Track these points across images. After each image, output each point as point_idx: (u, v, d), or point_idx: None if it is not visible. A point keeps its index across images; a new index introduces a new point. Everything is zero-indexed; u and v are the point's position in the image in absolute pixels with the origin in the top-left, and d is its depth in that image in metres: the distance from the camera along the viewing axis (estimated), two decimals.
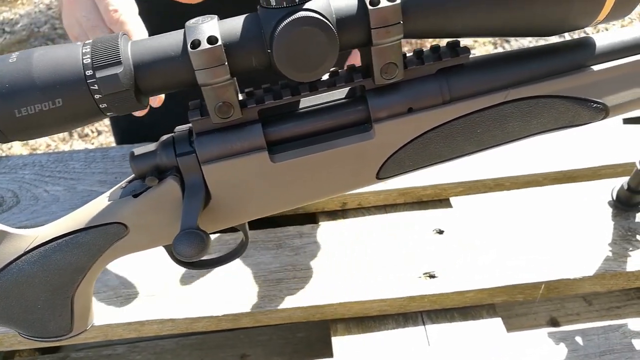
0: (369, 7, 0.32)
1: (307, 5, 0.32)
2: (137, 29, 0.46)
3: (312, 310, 0.55)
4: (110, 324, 0.54)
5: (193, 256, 0.36)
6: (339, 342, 0.54)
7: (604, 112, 0.39)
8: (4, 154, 2.01)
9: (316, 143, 0.38)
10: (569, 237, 0.59)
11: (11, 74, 0.32)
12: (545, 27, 0.35)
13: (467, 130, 0.39)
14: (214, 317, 0.54)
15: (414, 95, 0.37)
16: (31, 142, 2.11)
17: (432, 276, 0.56)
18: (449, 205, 0.68)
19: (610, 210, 0.62)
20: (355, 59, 0.77)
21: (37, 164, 0.75)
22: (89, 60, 0.32)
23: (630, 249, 0.57)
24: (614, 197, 0.62)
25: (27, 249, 0.39)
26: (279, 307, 0.54)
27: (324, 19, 0.32)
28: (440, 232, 0.62)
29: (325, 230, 0.63)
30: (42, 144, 2.01)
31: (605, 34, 0.39)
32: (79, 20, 0.49)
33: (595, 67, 0.38)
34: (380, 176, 0.40)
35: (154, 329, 0.55)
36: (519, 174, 0.69)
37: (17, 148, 1.97)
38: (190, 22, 0.33)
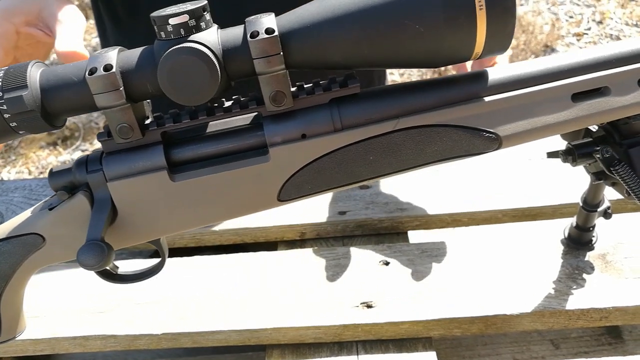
0: (249, 39, 0.35)
1: (193, 37, 0.36)
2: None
3: (248, 334, 0.56)
4: (57, 337, 0.57)
5: (94, 266, 0.38)
6: None
7: (497, 141, 0.41)
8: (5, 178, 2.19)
9: (216, 165, 0.40)
10: (516, 274, 0.59)
11: None
12: (421, 60, 0.37)
13: (360, 156, 0.40)
14: (154, 336, 0.56)
15: (307, 123, 0.40)
16: (32, 167, 2.28)
17: (369, 306, 0.57)
18: (406, 239, 0.69)
19: (562, 248, 0.61)
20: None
21: (27, 188, 0.81)
22: (0, 83, 0.36)
23: (574, 287, 0.56)
24: (566, 236, 0.62)
25: None
26: (215, 330, 0.56)
27: (204, 50, 0.35)
28: (387, 263, 0.62)
29: (276, 257, 0.65)
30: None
31: (499, 68, 0.41)
32: None
33: (487, 98, 0.40)
34: (281, 198, 0.42)
35: (97, 345, 0.57)
36: (477, 210, 0.69)
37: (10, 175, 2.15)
38: (95, 53, 0.37)
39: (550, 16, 3.29)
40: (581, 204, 0.57)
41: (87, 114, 2.91)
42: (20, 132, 0.38)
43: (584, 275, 0.58)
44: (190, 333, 0.56)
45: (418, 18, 0.35)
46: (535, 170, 0.75)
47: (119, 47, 0.38)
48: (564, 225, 0.64)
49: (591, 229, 0.59)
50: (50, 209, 0.41)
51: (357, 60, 0.37)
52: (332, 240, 0.70)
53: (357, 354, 0.55)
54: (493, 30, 0.35)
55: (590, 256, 0.60)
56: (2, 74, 0.36)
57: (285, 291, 0.60)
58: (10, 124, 0.37)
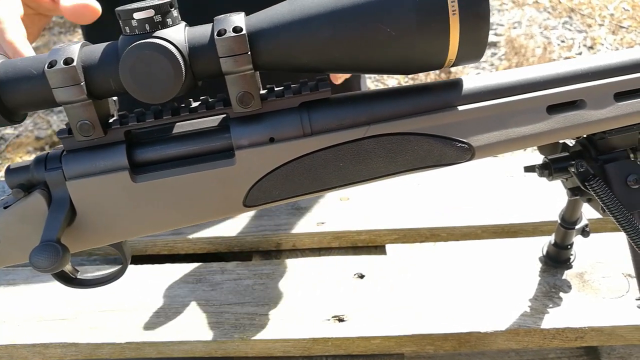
0: (216, 37, 0.34)
1: (158, 33, 0.35)
2: (11, 27, 0.46)
3: (214, 345, 0.54)
4: (15, 344, 0.55)
5: (47, 269, 0.37)
6: None
7: (469, 152, 0.40)
8: None
9: (180, 166, 0.39)
10: (492, 291, 0.58)
11: None
12: (393, 65, 0.36)
13: (329, 163, 0.39)
14: (117, 345, 0.54)
15: (275, 126, 0.38)
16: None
17: (340, 320, 0.55)
18: (383, 252, 0.68)
19: (540, 266, 0.60)
20: None
21: (3, 190, 0.79)
22: None
23: (550, 305, 0.55)
24: (544, 253, 0.61)
25: None
26: (181, 340, 0.54)
27: (168, 46, 0.34)
28: (361, 276, 0.61)
29: (249, 268, 0.63)
30: None
31: (475, 77, 0.40)
32: None
33: (461, 107, 0.39)
34: (247, 204, 0.40)
35: (57, 353, 0.55)
36: (456, 225, 0.68)
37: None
38: (57, 46, 0.36)
39: (542, 40, 3.33)
40: (559, 221, 0.56)
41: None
42: None
43: (561, 294, 0.57)
44: (156, 343, 0.54)
45: (390, 21, 0.34)
46: (517, 187, 0.74)
47: (84, 41, 0.37)
48: (543, 243, 0.63)
49: (569, 247, 0.58)
50: (5, 208, 0.40)
51: (328, 63, 0.36)
52: (309, 251, 0.68)
53: None
54: (466, 36, 0.35)
55: (567, 275, 0.59)
56: None
57: (255, 303, 0.58)
58: None
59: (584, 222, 0.56)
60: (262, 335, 0.54)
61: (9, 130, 2.89)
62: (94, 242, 0.41)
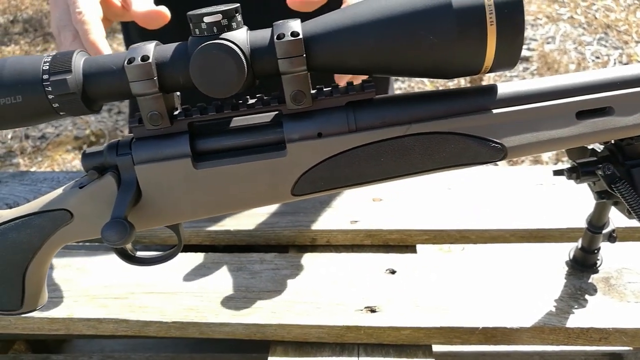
0: (275, 40, 0.39)
1: (224, 36, 0.39)
2: (94, 29, 0.52)
3: (254, 328, 0.58)
4: (72, 318, 0.60)
5: (116, 242, 0.41)
6: None
7: (502, 152, 0.43)
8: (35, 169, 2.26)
9: (237, 156, 0.43)
10: (519, 291, 0.60)
11: None
12: (434, 70, 0.40)
13: (371, 158, 0.43)
14: (163, 323, 0.59)
15: (323, 123, 0.42)
16: (57, 169, 2.36)
17: (372, 310, 0.59)
18: (414, 251, 0.71)
19: (566, 269, 0.62)
20: None
21: (55, 180, 0.85)
22: (47, 67, 0.40)
23: (576, 306, 0.57)
24: (571, 258, 0.63)
25: None
26: (223, 322, 0.58)
27: (234, 47, 0.38)
28: (393, 272, 0.64)
29: (286, 260, 0.67)
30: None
31: (510, 83, 0.43)
32: (55, 19, 0.57)
33: (495, 111, 0.42)
34: (295, 192, 0.44)
35: (110, 328, 0.60)
36: (485, 228, 0.71)
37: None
38: (134, 45, 0.41)
39: (576, 55, 3.31)
40: (586, 225, 0.58)
41: (113, 123, 2.97)
42: (61, 113, 0.41)
43: (586, 296, 0.59)
44: (199, 323, 0.58)
45: (432, 30, 0.38)
46: (545, 195, 0.76)
47: (157, 41, 0.41)
48: (569, 247, 0.65)
49: (596, 251, 0.60)
50: (80, 187, 0.45)
51: (374, 67, 0.40)
52: (342, 247, 0.72)
53: (358, 356, 0.57)
54: (502, 45, 0.38)
55: (593, 278, 0.61)
56: (50, 59, 0.40)
57: (292, 291, 0.62)
58: (53, 105, 0.40)
59: (610, 227, 0.58)
60: (298, 321, 0.58)
61: (50, 130, 3.01)
62: (155, 222, 0.46)
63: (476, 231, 0.71)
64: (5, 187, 0.86)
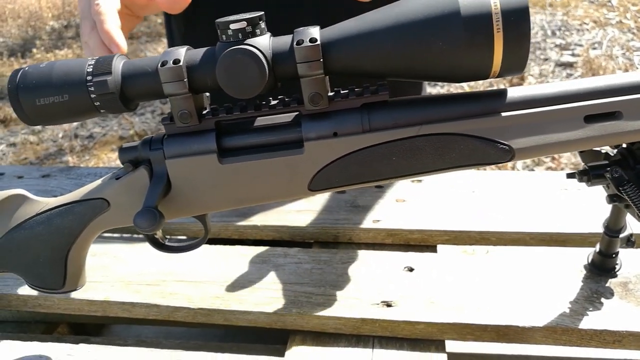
0: (295, 46, 0.42)
1: (248, 41, 0.42)
2: (109, 19, 0.55)
3: (275, 317, 0.61)
4: (108, 301, 0.64)
5: (146, 229, 0.45)
6: (292, 350, 0.59)
7: (510, 153, 0.44)
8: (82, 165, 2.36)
9: (259, 153, 0.47)
10: (535, 292, 0.61)
11: (38, 75, 0.45)
12: (444, 74, 0.42)
13: (384, 156, 0.45)
14: (191, 309, 0.63)
15: (339, 123, 0.45)
16: (102, 167, 2.45)
17: (388, 305, 0.61)
18: (434, 251, 0.73)
19: (584, 273, 0.63)
20: None
21: (97, 174, 0.91)
22: (91, 69, 0.44)
23: (591, 309, 0.58)
24: (589, 262, 0.63)
25: (39, 212, 0.51)
26: (246, 310, 0.62)
27: (257, 52, 0.42)
28: (411, 269, 0.66)
29: (309, 255, 0.70)
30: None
31: (520, 88, 0.45)
32: (79, 11, 0.62)
33: (504, 114, 0.44)
34: (311, 188, 0.47)
35: (142, 312, 0.64)
36: (506, 230, 0.72)
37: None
38: (168, 49, 0.45)
39: (624, 61, 3.22)
40: (603, 229, 0.59)
41: (156, 124, 3.08)
42: (102, 111, 0.45)
43: (602, 300, 0.59)
44: (223, 311, 0.62)
45: (442, 36, 0.40)
46: (570, 200, 0.76)
47: (188, 46, 0.45)
48: (589, 252, 0.65)
49: (614, 255, 0.61)
50: (117, 179, 0.49)
51: (387, 71, 0.43)
52: (364, 245, 0.74)
53: (373, 348, 0.59)
54: (509, 51, 0.40)
55: (611, 283, 0.61)
56: (94, 62, 0.45)
57: (313, 284, 0.64)
58: (95, 103, 0.45)
59: (628, 231, 0.58)
60: (317, 312, 0.61)
61: (97, 130, 3.15)
62: (183, 213, 0.50)
63: (496, 233, 0.72)
64: (54, 180, 0.93)
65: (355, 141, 0.45)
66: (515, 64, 0.41)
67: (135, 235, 0.79)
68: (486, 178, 0.84)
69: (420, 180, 0.85)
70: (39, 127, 3.20)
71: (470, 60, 0.41)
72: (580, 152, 0.51)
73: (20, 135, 3.16)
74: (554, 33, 3.76)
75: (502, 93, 0.45)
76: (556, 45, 3.53)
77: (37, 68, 0.45)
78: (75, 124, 3.20)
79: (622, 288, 0.61)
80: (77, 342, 0.60)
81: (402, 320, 0.59)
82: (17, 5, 5.34)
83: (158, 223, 0.45)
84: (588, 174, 0.49)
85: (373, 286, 0.64)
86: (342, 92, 0.46)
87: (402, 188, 0.83)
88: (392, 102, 0.46)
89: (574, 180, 0.80)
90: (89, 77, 0.44)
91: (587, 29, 3.83)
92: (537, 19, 3.94)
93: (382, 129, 0.45)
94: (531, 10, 4.05)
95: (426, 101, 0.46)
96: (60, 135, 3.10)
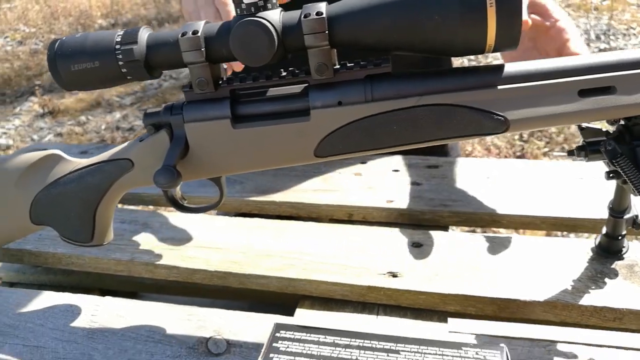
0: (302, 18, 0.45)
1: (260, 14, 0.46)
2: (233, 9, 0.58)
3: (286, 282, 0.65)
4: (133, 261, 0.69)
5: (164, 185, 0.50)
6: (301, 312, 0.63)
7: (505, 124, 0.47)
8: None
9: (269, 119, 0.50)
10: (539, 270, 0.62)
11: (73, 43, 0.50)
12: (441, 48, 0.45)
13: (385, 125, 0.48)
14: (207, 272, 0.67)
15: (343, 93, 0.48)
16: None
17: (394, 275, 0.63)
18: (445, 231, 0.75)
19: (590, 255, 0.64)
20: None
21: None
22: (120, 39, 0.49)
23: (593, 287, 0.59)
24: (596, 244, 0.64)
25: (72, 170, 0.56)
26: (259, 274, 0.65)
27: (267, 24, 0.45)
28: (419, 245, 0.69)
29: (321, 228, 0.73)
30: None
31: (517, 63, 0.47)
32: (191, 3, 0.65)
33: (500, 87, 0.46)
34: (317, 154, 0.51)
35: (163, 273, 0.69)
36: (517, 213, 0.73)
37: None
38: (188, 22, 0.49)
39: None
40: (608, 210, 0.60)
41: None
42: (128, 77, 0.50)
43: (606, 279, 0.60)
44: (238, 274, 0.66)
45: (438, 10, 0.43)
46: (584, 189, 0.77)
47: (206, 20, 0.49)
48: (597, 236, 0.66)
49: (620, 237, 0.62)
50: (140, 141, 0.54)
51: (388, 44, 0.46)
52: (377, 224, 0.77)
53: (377, 315, 0.62)
54: (502, 25, 0.42)
55: (617, 265, 0.62)
56: (122, 33, 0.49)
57: (324, 255, 0.68)
58: (122, 70, 0.49)
59: (633, 212, 0.59)
60: (326, 278, 0.64)
61: (137, 122, 3.26)
62: (198, 174, 0.54)
63: (507, 216, 0.74)
64: (91, 156, 0.99)
65: (359, 110, 0.48)
66: (509, 39, 0.43)
67: (161, 208, 0.84)
68: (502, 165, 0.85)
69: (437, 167, 0.87)
70: (84, 118, 3.35)
71: (465, 33, 0.43)
72: (581, 130, 0.53)
73: (67, 126, 3.31)
74: (598, 37, 3.67)
75: (500, 68, 0.47)
76: (600, 50, 3.44)
77: (73, 38, 0.50)
78: (117, 116, 3.34)
79: (627, 270, 0.61)
80: (104, 296, 0.65)
81: (405, 289, 0.61)
82: (69, 4, 5.59)
83: (175, 180, 0.49)
84: (585, 150, 0.51)
85: (381, 258, 0.66)
86: (348, 64, 0.49)
87: (418, 172, 0.85)
88: (395, 74, 0.48)
89: (591, 169, 0.81)
90: (117, 46, 0.49)
91: (634, 34, 3.71)
92: (580, 22, 3.84)
93: (384, 99, 0.48)
94: (574, 14, 3.95)
95: (427, 74, 0.48)
96: (103, 127, 3.24)
